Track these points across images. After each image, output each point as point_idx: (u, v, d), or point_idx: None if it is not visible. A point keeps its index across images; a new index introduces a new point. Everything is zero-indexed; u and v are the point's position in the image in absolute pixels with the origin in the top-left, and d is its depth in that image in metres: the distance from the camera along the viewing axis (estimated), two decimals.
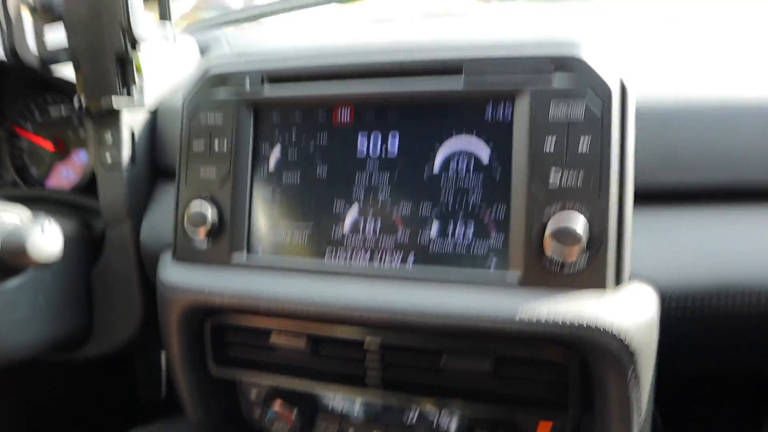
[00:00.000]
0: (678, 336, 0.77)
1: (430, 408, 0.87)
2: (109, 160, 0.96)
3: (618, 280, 0.72)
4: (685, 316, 0.77)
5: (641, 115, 0.76)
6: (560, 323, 0.70)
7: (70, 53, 0.84)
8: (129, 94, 0.83)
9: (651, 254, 0.77)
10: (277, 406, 0.90)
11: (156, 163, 1.02)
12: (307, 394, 0.92)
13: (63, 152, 1.18)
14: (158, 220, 0.98)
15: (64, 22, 0.83)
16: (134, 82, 0.82)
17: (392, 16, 1.41)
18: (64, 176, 1.18)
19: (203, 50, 1.22)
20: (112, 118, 0.94)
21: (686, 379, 1.18)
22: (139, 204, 0.99)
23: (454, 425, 0.87)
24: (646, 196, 0.77)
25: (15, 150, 1.20)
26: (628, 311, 0.71)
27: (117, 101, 0.82)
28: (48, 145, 1.17)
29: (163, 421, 1.07)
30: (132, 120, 0.97)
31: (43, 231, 0.71)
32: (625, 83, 0.72)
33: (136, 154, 0.98)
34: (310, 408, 0.91)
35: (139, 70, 0.82)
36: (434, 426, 0.87)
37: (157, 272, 0.89)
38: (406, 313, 0.75)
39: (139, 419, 1.75)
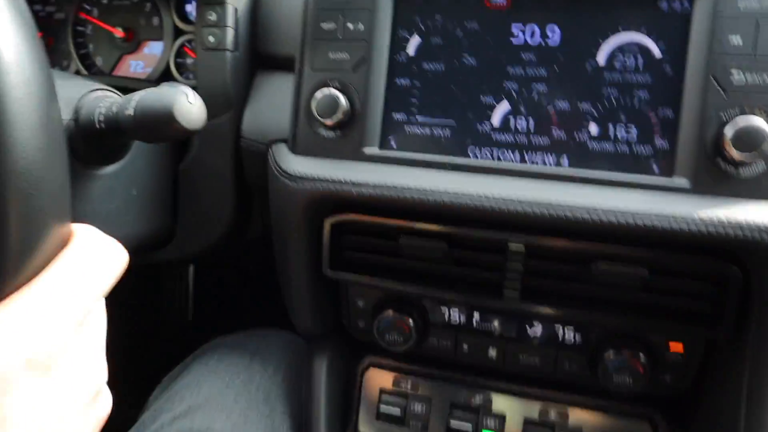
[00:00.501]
0: None
1: (561, 322, 0.83)
2: (212, 40, 0.87)
3: None
4: None
5: None
6: (738, 228, 0.66)
7: None
8: None
9: None
10: (391, 314, 0.85)
11: (256, 49, 0.93)
12: (419, 304, 0.87)
13: (133, 42, 1.07)
14: (261, 112, 0.91)
15: None
16: None
17: None
18: (133, 68, 1.09)
19: None
20: None
21: None
22: (240, 93, 0.91)
23: (580, 341, 0.84)
24: None
25: (79, 37, 1.10)
26: None
27: None
28: (117, 32, 1.06)
29: (246, 332, 1.01)
30: None
31: (189, 97, 0.63)
32: None
33: (239, 36, 0.89)
34: (423, 318, 0.87)
35: None
36: (559, 342, 0.84)
37: (273, 164, 0.82)
38: (558, 211, 0.70)
39: (163, 337, 1.71)
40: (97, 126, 0.71)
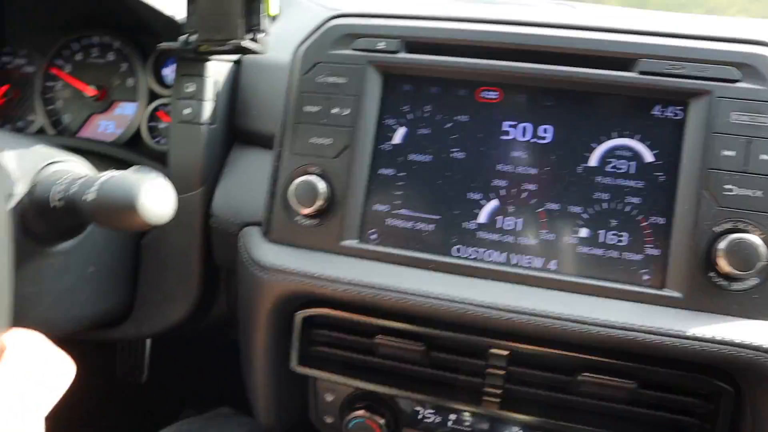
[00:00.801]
0: None
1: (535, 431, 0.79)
2: (187, 113, 0.83)
3: None
4: None
5: None
6: (732, 347, 0.64)
7: None
8: (254, 38, 0.71)
9: None
10: (362, 413, 0.79)
11: (233, 123, 0.89)
12: (392, 403, 0.82)
13: (104, 102, 1.03)
14: (235, 191, 0.86)
15: None
16: (260, 24, 0.70)
17: None
18: (102, 128, 1.04)
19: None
20: (198, 65, 0.82)
21: None
22: (214, 169, 0.87)
23: None
24: None
25: (48, 92, 1.05)
26: None
27: (244, 44, 0.70)
28: (89, 91, 1.02)
29: (210, 415, 0.94)
30: (216, 71, 0.84)
31: (156, 185, 0.58)
32: None
33: (217, 110, 0.85)
34: (396, 418, 0.81)
35: (267, 11, 0.70)
36: None
37: (244, 251, 0.77)
38: (552, 321, 0.67)
39: (117, 400, 1.60)
40: (53, 205, 0.65)
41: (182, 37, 0.76)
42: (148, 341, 1.70)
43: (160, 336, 0.94)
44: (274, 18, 0.74)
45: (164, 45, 0.79)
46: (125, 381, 1.66)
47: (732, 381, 0.68)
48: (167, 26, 0.82)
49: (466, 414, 0.81)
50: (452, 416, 0.82)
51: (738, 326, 0.65)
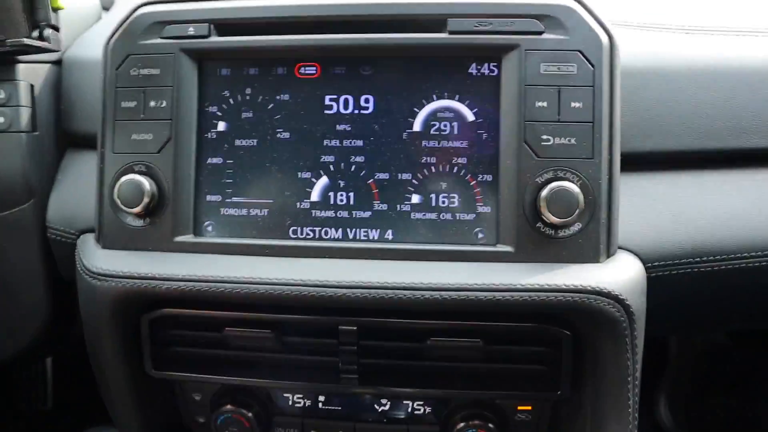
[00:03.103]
0: (658, 300, 0.76)
1: (404, 399, 0.81)
2: (1, 121, 0.79)
3: (609, 251, 0.70)
4: (663, 281, 0.77)
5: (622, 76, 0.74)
6: (559, 293, 0.67)
7: None
8: (41, 35, 0.67)
9: (632, 222, 0.76)
10: (229, 408, 0.79)
11: (62, 128, 0.85)
12: (261, 393, 0.82)
13: None
14: (69, 198, 0.83)
15: None
16: (48, 21, 0.67)
17: None
18: None
19: (106, 2, 1.06)
20: (6, 69, 0.77)
21: None
22: (43, 178, 0.83)
23: (431, 414, 0.81)
24: (623, 162, 0.76)
25: None
26: (622, 278, 0.69)
27: (28, 42, 0.66)
28: None
29: None
30: (32, 73, 0.80)
31: None
32: (614, 37, 0.70)
33: (37, 116, 0.81)
34: (266, 408, 0.81)
35: (55, 4, 0.67)
36: (410, 416, 0.81)
37: (78, 261, 0.75)
38: (386, 292, 0.68)
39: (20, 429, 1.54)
40: None
41: None
42: (49, 367, 1.64)
43: (21, 358, 0.90)
44: (57, 11, 0.70)
45: None
46: (29, 410, 1.59)
47: (570, 325, 0.71)
48: None
49: (336, 396, 0.82)
50: (321, 398, 0.82)
51: (566, 272, 0.68)
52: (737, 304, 0.89)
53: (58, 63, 0.85)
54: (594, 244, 0.69)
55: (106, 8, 1.08)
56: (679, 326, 0.99)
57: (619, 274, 0.69)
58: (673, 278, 0.77)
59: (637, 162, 0.78)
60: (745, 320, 1.01)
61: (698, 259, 0.77)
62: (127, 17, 0.75)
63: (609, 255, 0.71)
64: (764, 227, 0.78)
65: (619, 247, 0.73)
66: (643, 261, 0.75)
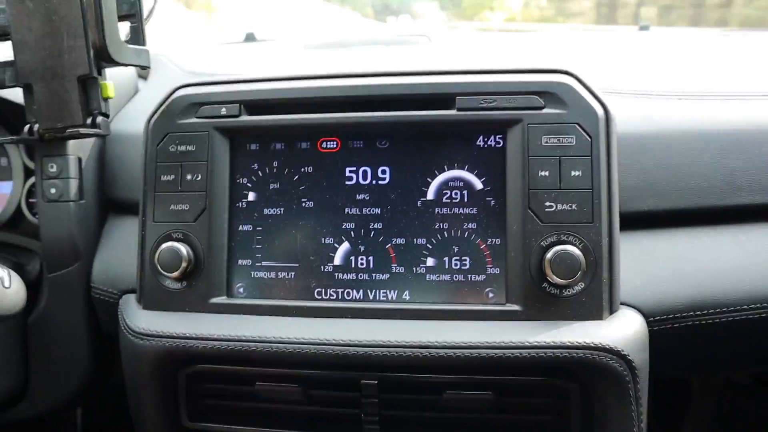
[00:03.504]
0: (659, 351, 0.81)
1: None
2: (53, 192, 0.87)
3: (612, 308, 0.75)
4: (666, 334, 0.81)
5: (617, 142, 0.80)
6: (564, 350, 0.72)
7: (19, 73, 0.75)
8: (94, 121, 0.76)
9: (633, 279, 0.81)
10: None
11: (106, 195, 0.94)
12: None
13: None
14: (112, 260, 0.91)
15: (11, 39, 0.75)
16: (100, 108, 0.75)
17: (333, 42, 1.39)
18: None
19: (142, 71, 1.15)
20: (58, 145, 0.86)
21: None
22: (89, 242, 0.91)
23: None
24: (623, 222, 0.81)
25: None
26: (624, 334, 0.74)
27: (83, 131, 0.75)
28: None
29: None
30: (79, 147, 0.89)
31: (7, 282, 0.63)
32: (609, 109, 0.76)
33: (84, 185, 0.89)
34: None
35: (106, 94, 0.75)
36: None
37: (121, 320, 0.82)
38: (404, 350, 0.75)
39: None
40: None
41: (26, 127, 0.80)
42: (79, 415, 1.70)
43: (62, 410, 0.97)
44: (107, 100, 0.78)
45: (6, 139, 0.83)
46: None
47: (578, 378, 0.76)
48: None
49: None
50: None
51: (571, 329, 0.74)
52: (745, 353, 0.93)
53: (108, 135, 0.94)
54: (597, 302, 0.75)
55: (142, 77, 1.18)
56: (692, 370, 1.03)
57: (621, 331, 0.74)
58: (677, 330, 0.82)
59: (638, 221, 0.84)
60: (760, 364, 1.04)
61: (698, 312, 0.81)
62: (167, 98, 0.83)
63: (612, 311, 0.76)
64: (761, 280, 0.82)
65: (622, 303, 0.79)
66: (645, 316, 0.80)
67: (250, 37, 1.67)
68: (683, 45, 1.23)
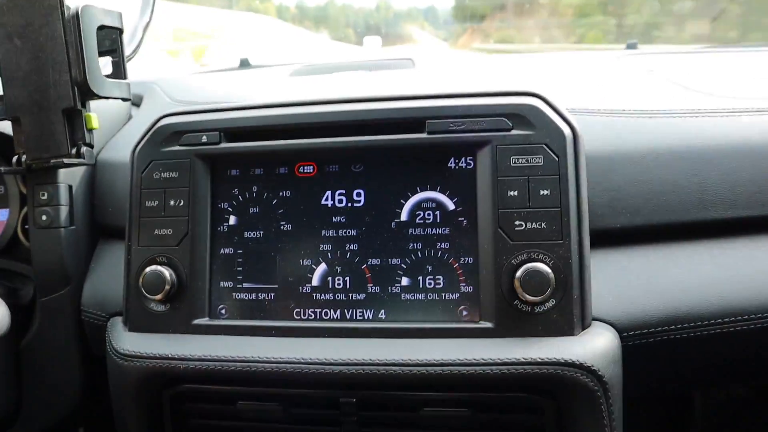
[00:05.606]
0: (634, 366, 0.82)
1: None
2: (44, 219, 0.91)
3: (584, 323, 0.77)
4: (642, 349, 0.83)
5: (588, 161, 0.82)
6: (535, 366, 0.74)
7: (8, 107, 0.80)
8: (78, 151, 0.80)
9: (606, 295, 0.83)
10: None
11: (96, 221, 0.97)
12: None
13: None
14: (101, 284, 0.94)
15: (1, 76, 0.79)
16: (84, 138, 0.79)
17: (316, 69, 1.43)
18: None
19: (136, 99, 1.19)
20: (48, 173, 0.90)
21: None
22: (79, 267, 0.95)
23: None
24: (596, 239, 0.83)
25: None
26: (595, 350, 0.76)
27: (67, 161, 0.79)
28: None
29: None
30: (70, 175, 0.93)
31: None
32: (576, 129, 0.79)
33: (74, 212, 0.93)
34: None
35: (90, 126, 0.79)
36: None
37: (108, 342, 0.85)
38: (379, 368, 0.77)
39: None
40: None
41: (14, 158, 0.84)
42: None
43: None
44: (91, 131, 0.82)
45: None
46: None
47: (550, 393, 0.78)
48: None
49: None
50: None
51: (542, 345, 0.76)
52: (721, 367, 0.94)
53: (93, 165, 0.98)
54: (568, 319, 0.77)
55: (135, 104, 1.22)
56: (670, 386, 1.04)
57: (592, 346, 0.76)
58: (652, 345, 0.83)
59: (611, 238, 0.86)
60: (736, 378, 1.05)
61: (673, 326, 0.83)
62: (151, 127, 0.87)
63: (584, 327, 0.78)
64: (733, 294, 0.84)
65: (595, 319, 0.81)
66: (619, 331, 0.82)
67: (244, 63, 1.73)
68: (665, 63, 1.25)
